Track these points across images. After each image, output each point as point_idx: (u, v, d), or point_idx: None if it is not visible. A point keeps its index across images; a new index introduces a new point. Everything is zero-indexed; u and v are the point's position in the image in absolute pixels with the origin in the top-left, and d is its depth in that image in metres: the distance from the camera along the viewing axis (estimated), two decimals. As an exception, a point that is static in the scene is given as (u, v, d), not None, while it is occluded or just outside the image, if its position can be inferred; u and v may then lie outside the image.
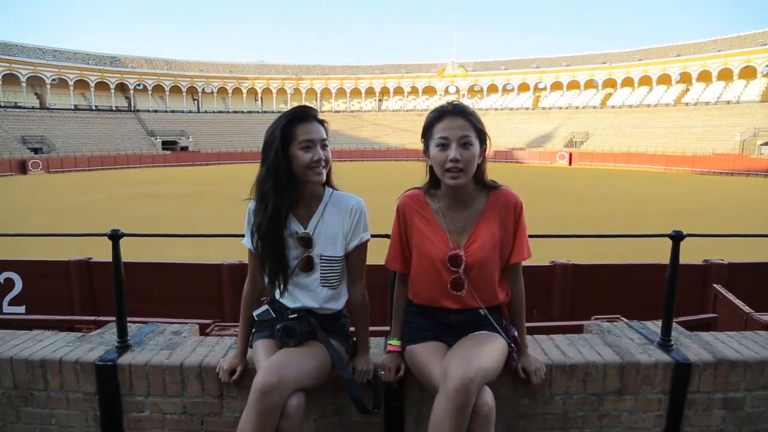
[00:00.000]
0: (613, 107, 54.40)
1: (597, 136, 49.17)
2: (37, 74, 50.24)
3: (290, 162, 2.02)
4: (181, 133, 53.95)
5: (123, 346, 2.38)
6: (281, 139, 2.00)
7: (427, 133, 2.04)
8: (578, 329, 2.79)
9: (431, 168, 2.07)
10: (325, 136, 2.07)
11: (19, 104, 48.55)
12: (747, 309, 3.65)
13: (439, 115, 2.01)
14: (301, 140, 2.01)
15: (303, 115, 2.04)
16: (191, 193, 24.02)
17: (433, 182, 2.12)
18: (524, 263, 2.21)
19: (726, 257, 5.40)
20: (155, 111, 57.62)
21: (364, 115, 64.38)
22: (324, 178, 2.09)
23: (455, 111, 1.98)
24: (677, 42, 53.19)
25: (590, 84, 58.37)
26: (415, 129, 56.35)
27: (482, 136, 2.01)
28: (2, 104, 46.98)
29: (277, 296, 2.18)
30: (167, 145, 51.59)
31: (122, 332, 2.40)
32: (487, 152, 2.06)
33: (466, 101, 61.35)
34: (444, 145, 1.96)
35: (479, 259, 2.06)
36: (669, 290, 2.38)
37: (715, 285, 4.45)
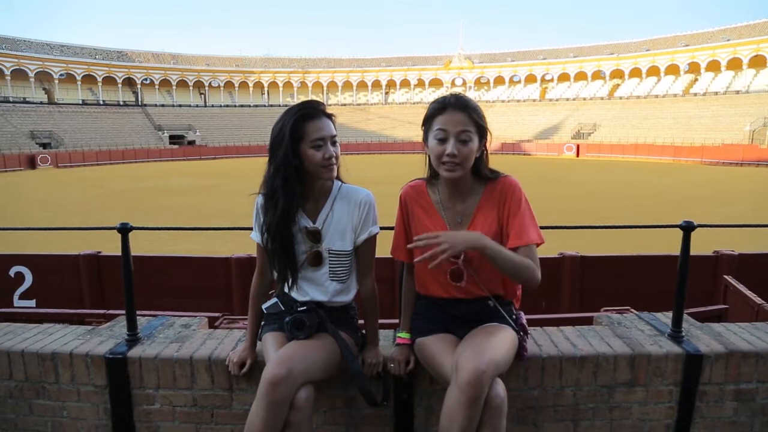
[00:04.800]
0: (620, 98, 53.99)
1: (604, 128, 48.86)
2: (45, 69, 50.43)
3: (300, 160, 1.99)
4: (188, 127, 54.08)
5: (133, 339, 2.39)
6: (291, 138, 1.96)
7: (427, 123, 2.03)
8: (588, 321, 2.77)
9: (430, 158, 2.06)
10: (334, 132, 2.04)
11: (27, 99, 48.79)
12: (758, 300, 3.61)
13: (440, 107, 1.98)
14: (312, 139, 1.97)
15: (312, 111, 2.00)
16: (199, 187, 24.09)
17: (434, 172, 2.11)
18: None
19: (736, 248, 5.35)
20: (162, 105, 57.76)
21: (371, 108, 64.26)
22: (335, 173, 2.08)
23: (457, 105, 1.95)
24: (685, 32, 52.69)
25: (598, 75, 57.96)
26: (421, 121, 55.83)
27: (482, 130, 1.98)
28: (11, 99, 47.25)
29: (286, 290, 2.17)
30: (174, 139, 51.74)
31: (132, 325, 2.41)
32: (488, 145, 2.04)
33: (473, 93, 61.25)
34: (442, 139, 1.95)
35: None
36: (680, 281, 2.36)
37: (725, 276, 4.41)
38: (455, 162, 1.93)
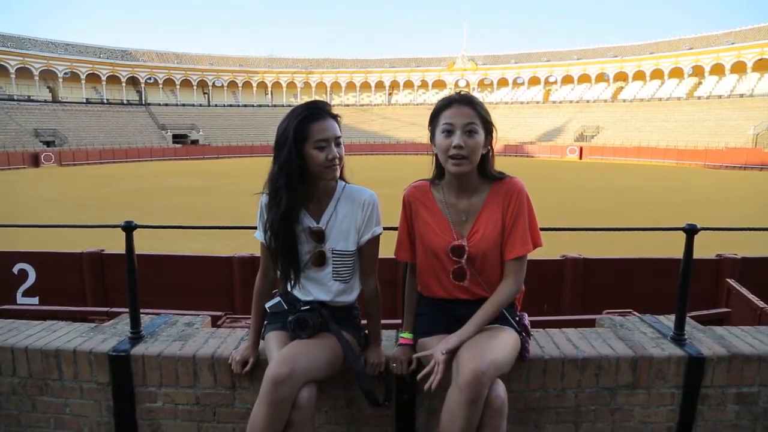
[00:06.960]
0: (624, 101, 53.89)
1: (608, 130, 48.77)
2: (50, 68, 50.56)
3: (304, 160, 1.99)
4: (192, 126, 54.17)
5: (136, 336, 2.40)
6: (294, 138, 1.96)
7: (434, 121, 2.06)
8: (590, 323, 2.77)
9: (437, 157, 2.08)
10: (339, 133, 2.03)
11: (32, 98, 48.89)
12: (761, 304, 3.61)
13: (446, 103, 2.02)
14: (315, 140, 1.97)
15: (317, 112, 1.99)
16: (202, 186, 24.13)
17: (439, 173, 2.12)
18: (535, 256, 2.19)
19: (739, 251, 5.35)
20: (166, 104, 57.83)
21: (374, 109, 64.23)
22: (338, 174, 2.09)
23: (462, 100, 2.00)
24: (690, 35, 52.55)
25: (601, 77, 57.85)
26: (424, 123, 54.21)
27: (488, 126, 2.01)
28: (15, 98, 47.38)
29: (289, 289, 2.18)
30: (178, 138, 51.85)
31: (135, 323, 2.42)
32: (493, 144, 2.06)
33: (476, 95, 60.76)
34: (449, 132, 1.97)
35: (482, 250, 2.05)
36: (682, 284, 2.36)
37: (728, 279, 4.41)
38: (462, 155, 1.94)
